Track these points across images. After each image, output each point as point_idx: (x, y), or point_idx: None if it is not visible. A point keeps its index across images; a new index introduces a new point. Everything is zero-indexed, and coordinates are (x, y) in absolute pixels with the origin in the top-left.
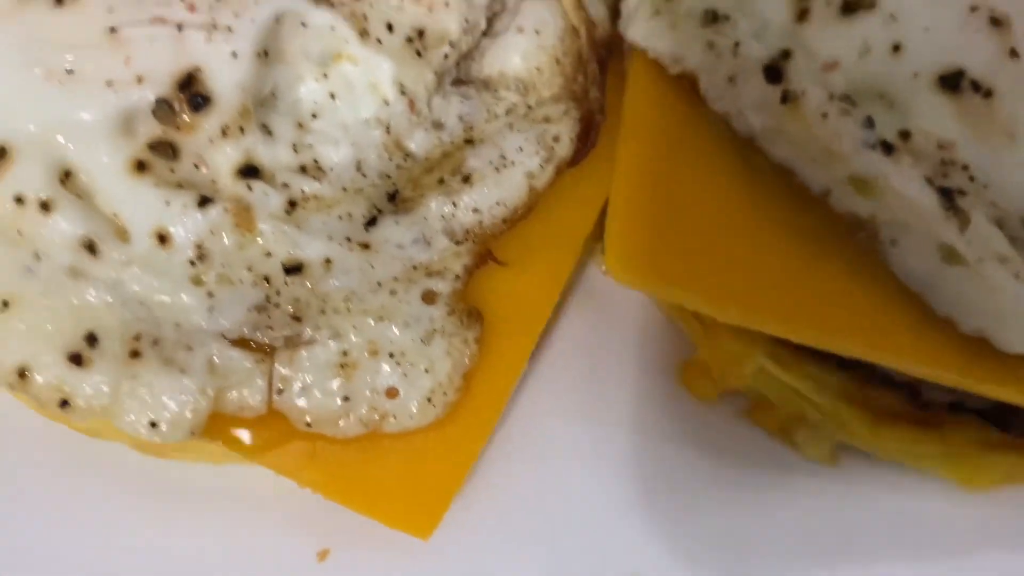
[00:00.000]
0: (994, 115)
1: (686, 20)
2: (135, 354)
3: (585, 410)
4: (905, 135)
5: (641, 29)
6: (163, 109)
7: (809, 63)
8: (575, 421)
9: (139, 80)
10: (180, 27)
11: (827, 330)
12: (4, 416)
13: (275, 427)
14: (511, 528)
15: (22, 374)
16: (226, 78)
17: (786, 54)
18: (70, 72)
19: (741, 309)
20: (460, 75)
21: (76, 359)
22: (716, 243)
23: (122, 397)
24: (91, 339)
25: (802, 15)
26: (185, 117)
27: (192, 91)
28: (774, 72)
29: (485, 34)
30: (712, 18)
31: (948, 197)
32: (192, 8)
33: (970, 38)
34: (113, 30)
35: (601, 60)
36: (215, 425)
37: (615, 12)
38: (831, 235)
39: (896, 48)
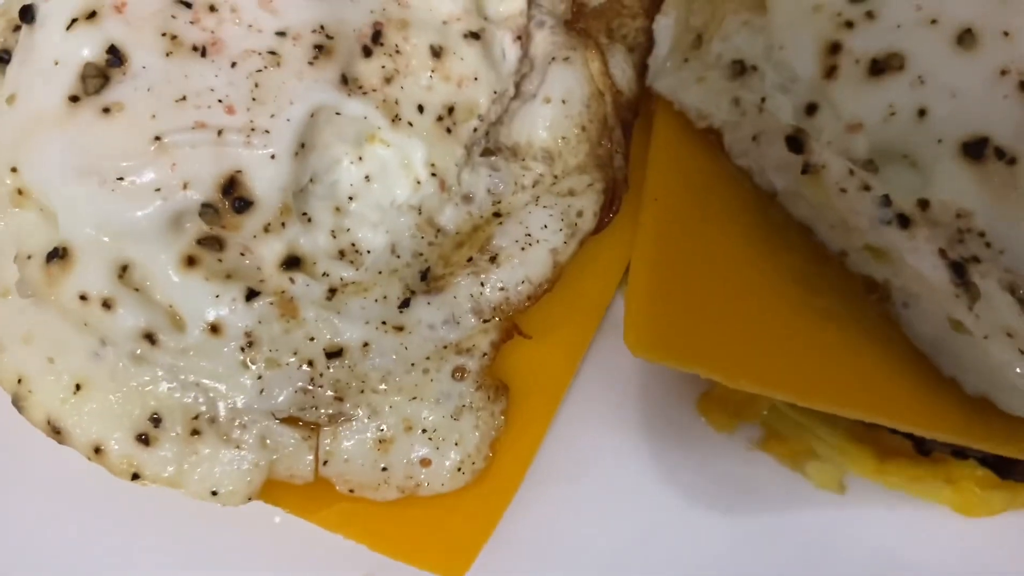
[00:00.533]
0: (1016, 182)
1: (713, 71)
2: (195, 432)
3: (609, 439)
4: (924, 204)
5: (669, 80)
6: (209, 213)
7: (834, 120)
8: (599, 451)
9: (185, 185)
10: (220, 132)
11: (836, 399)
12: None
13: (322, 491)
14: (540, 554)
15: (97, 450)
16: (266, 180)
17: (812, 108)
18: (121, 179)
19: (753, 382)
20: (488, 144)
21: (143, 439)
22: (731, 316)
23: (185, 470)
24: (155, 420)
25: (830, 72)
26: (230, 218)
27: (234, 195)
28: (796, 143)
29: (514, 97)
30: (740, 70)
31: (960, 273)
32: (230, 110)
33: (997, 104)
34: (158, 138)
35: (626, 124)
36: (269, 489)
37: (642, 71)
38: (845, 293)
39: (922, 113)
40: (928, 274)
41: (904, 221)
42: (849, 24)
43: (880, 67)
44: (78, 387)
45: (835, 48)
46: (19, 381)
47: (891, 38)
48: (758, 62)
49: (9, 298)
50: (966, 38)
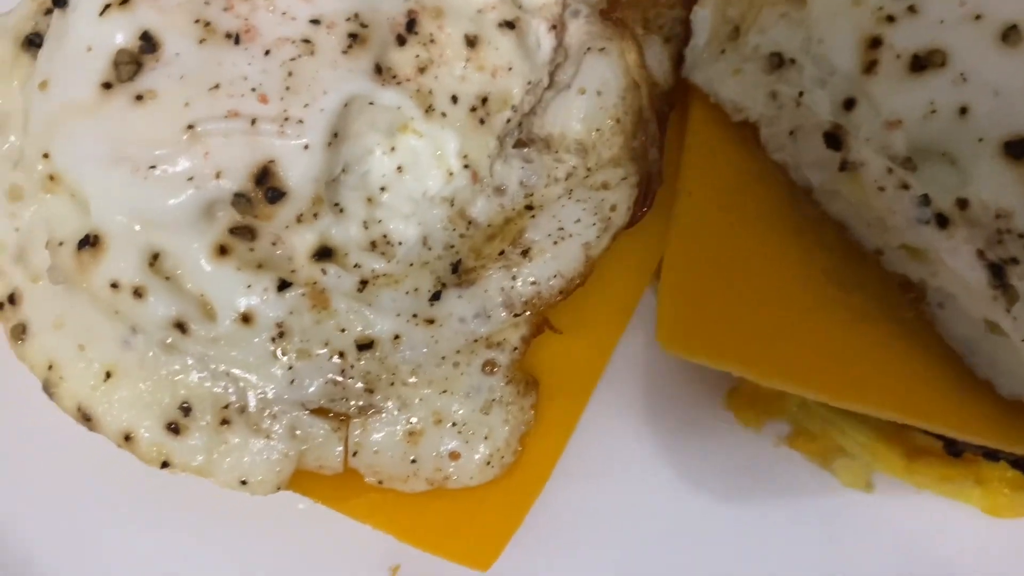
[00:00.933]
0: None
1: (751, 64)
2: (225, 422)
3: (636, 433)
4: (963, 203)
5: (705, 72)
6: (241, 202)
7: (873, 116)
8: (626, 444)
9: (217, 175)
10: (253, 121)
11: (868, 399)
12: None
13: (351, 481)
14: (567, 547)
15: (127, 437)
16: (299, 171)
17: (850, 103)
18: (153, 168)
19: (786, 381)
20: (521, 135)
21: (173, 427)
22: (763, 314)
23: (215, 459)
24: (185, 409)
25: (870, 67)
26: (262, 208)
27: (267, 185)
28: (834, 140)
29: (547, 87)
30: (777, 63)
31: (999, 274)
32: (264, 99)
33: None
34: (191, 127)
35: (661, 117)
36: (298, 479)
37: (678, 62)
38: (879, 291)
39: (963, 111)
40: (966, 275)
41: (942, 221)
42: (890, 18)
43: (921, 63)
44: (108, 375)
45: (875, 43)
46: (50, 367)
47: (933, 34)
48: (796, 55)
49: (40, 284)
50: (1011, 35)
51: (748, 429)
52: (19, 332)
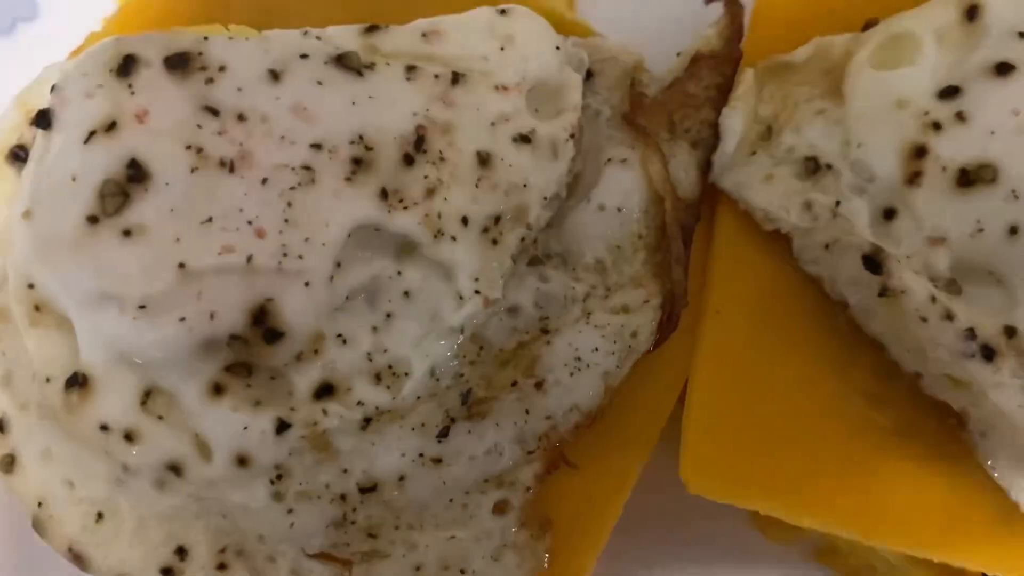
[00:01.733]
0: None
1: (783, 168)
2: (222, 566)
3: (659, 554)
4: (1010, 331)
5: (735, 177)
6: (237, 344)
7: (914, 231)
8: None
9: (212, 316)
10: (249, 258)
11: (904, 539)
12: None
13: None
14: None
15: None
16: (299, 309)
17: (891, 213)
18: (143, 307)
19: (818, 521)
20: (536, 251)
21: (168, 572)
22: (794, 447)
23: None
24: (181, 552)
25: (913, 178)
26: (259, 348)
27: (265, 326)
28: (874, 263)
29: (565, 198)
30: (813, 168)
31: None
32: (261, 233)
33: None
34: (182, 265)
35: (686, 231)
36: None
37: (705, 169)
38: (915, 409)
39: (1013, 231)
40: (1012, 412)
41: (989, 353)
42: (936, 126)
43: (970, 178)
44: (100, 515)
45: (920, 152)
46: (39, 504)
47: (983, 145)
48: (833, 160)
49: (28, 412)
50: None
51: (777, 544)
52: (7, 463)
